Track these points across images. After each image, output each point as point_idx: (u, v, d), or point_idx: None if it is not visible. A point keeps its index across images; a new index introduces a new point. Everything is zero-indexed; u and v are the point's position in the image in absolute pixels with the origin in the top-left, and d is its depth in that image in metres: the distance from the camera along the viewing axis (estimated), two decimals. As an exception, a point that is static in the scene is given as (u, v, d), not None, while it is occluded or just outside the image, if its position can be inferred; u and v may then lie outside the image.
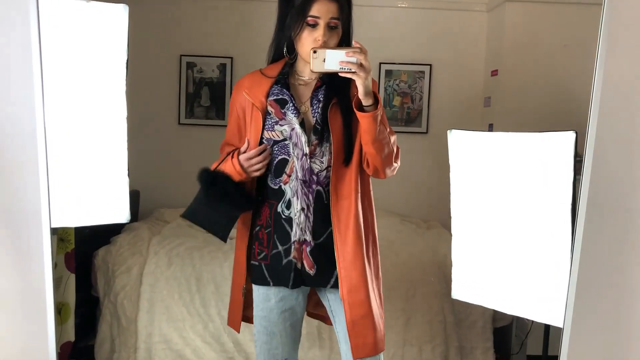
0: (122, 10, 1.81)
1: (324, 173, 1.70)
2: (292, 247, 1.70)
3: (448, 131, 2.33)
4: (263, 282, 1.76)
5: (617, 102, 0.98)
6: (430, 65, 4.04)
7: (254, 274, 1.78)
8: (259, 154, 1.68)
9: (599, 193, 1.04)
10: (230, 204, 1.70)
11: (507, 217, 2.14)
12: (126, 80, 1.85)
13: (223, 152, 1.85)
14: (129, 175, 1.88)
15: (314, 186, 1.70)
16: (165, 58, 3.99)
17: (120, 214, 1.87)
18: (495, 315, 2.91)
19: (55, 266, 2.59)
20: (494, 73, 3.83)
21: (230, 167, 1.70)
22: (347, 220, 1.69)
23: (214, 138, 3.98)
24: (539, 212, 2.02)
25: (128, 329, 2.73)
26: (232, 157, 1.71)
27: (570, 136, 1.83)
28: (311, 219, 1.70)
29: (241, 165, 1.68)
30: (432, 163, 3.45)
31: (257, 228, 1.76)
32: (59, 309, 2.67)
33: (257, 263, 1.76)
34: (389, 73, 4.00)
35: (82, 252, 2.86)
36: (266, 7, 3.98)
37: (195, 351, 2.73)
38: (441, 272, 2.88)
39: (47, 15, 1.67)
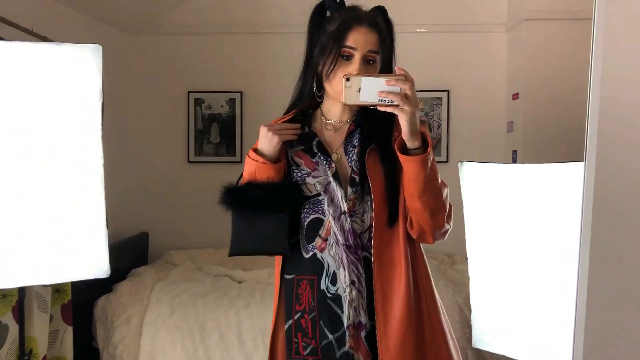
0: (95, 52, 1.68)
1: (367, 235, 1.36)
2: (347, 333, 1.32)
3: (458, 163, 2.14)
4: None
5: (618, 100, 0.80)
6: (448, 91, 3.86)
7: None
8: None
9: (604, 230, 0.85)
10: (269, 206, 1.34)
11: (529, 258, 1.93)
12: (105, 123, 1.72)
13: None
14: (107, 225, 1.72)
15: (359, 252, 1.35)
16: (172, 95, 3.93)
17: (98, 268, 1.72)
18: (527, 361, 2.66)
19: (51, 319, 2.47)
20: (515, 96, 3.62)
21: (248, 166, 1.37)
22: (395, 298, 1.33)
23: (226, 175, 3.86)
24: (563, 253, 1.81)
25: (127, 384, 2.58)
26: (248, 153, 1.39)
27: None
28: (364, 294, 1.34)
29: (259, 153, 1.34)
30: (456, 193, 3.29)
31: (298, 315, 1.38)
32: (56, 364, 2.54)
33: None
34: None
35: (82, 302, 2.73)
36: (275, 40, 3.90)
37: (199, 408, 2.55)
38: (463, 315, 2.65)
39: (12, 60, 1.56)
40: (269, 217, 1.35)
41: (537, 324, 1.92)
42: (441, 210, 1.34)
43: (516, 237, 1.95)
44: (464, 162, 2.10)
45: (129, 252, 3.40)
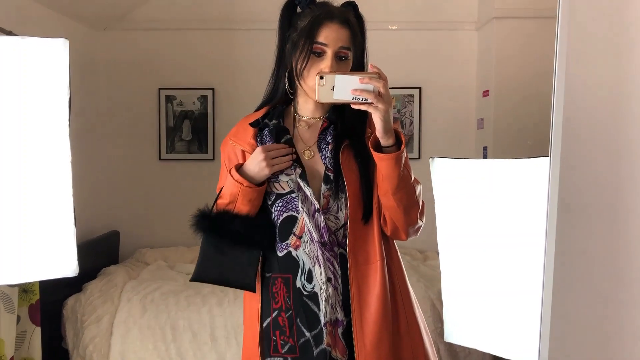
0: (62, 45, 1.65)
1: (342, 232, 1.36)
2: (324, 331, 1.32)
3: (430, 159, 2.16)
4: None
5: (582, 102, 0.82)
6: (419, 88, 3.89)
7: None
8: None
9: (569, 226, 0.86)
10: (243, 241, 1.35)
11: (499, 252, 1.95)
12: (72, 119, 1.68)
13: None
14: (76, 223, 1.69)
15: (335, 249, 1.35)
16: (143, 92, 3.87)
17: (66, 267, 1.69)
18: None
19: (18, 320, 2.42)
20: (486, 93, 3.67)
21: (231, 186, 1.35)
22: (371, 294, 1.34)
23: (197, 172, 3.87)
24: (533, 247, 1.83)
25: (98, 385, 2.54)
26: (230, 171, 1.36)
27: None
28: (340, 291, 1.34)
29: (244, 174, 1.34)
30: (428, 190, 3.35)
31: (275, 313, 1.37)
32: (24, 366, 2.49)
33: (280, 359, 1.37)
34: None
35: (51, 302, 2.69)
36: (247, 36, 3.88)
37: (172, 408, 2.53)
38: (435, 309, 2.68)
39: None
40: (243, 250, 1.36)
41: (507, 317, 1.95)
42: (414, 207, 1.35)
43: (486, 231, 1.98)
44: (435, 158, 2.12)
45: (99, 251, 3.35)
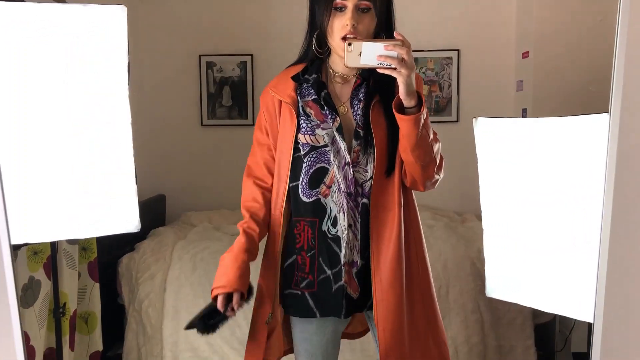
0: (121, 12, 1.73)
1: (369, 183, 1.49)
2: (343, 270, 1.49)
3: (473, 119, 2.19)
4: (307, 314, 1.54)
5: None
6: (458, 50, 3.87)
7: (294, 305, 1.56)
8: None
9: (627, 179, 0.90)
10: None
11: (542, 209, 1.99)
12: (130, 83, 1.77)
13: (253, 151, 1.63)
14: (140, 181, 1.79)
15: (359, 199, 1.49)
16: (184, 58, 3.95)
17: (129, 223, 1.80)
18: (536, 311, 2.75)
19: (79, 276, 2.57)
20: (525, 55, 3.64)
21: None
22: (388, 237, 1.48)
23: (238, 138, 3.96)
24: (576, 204, 1.87)
25: (153, 337, 2.68)
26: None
27: (604, 119, 1.67)
28: (358, 236, 1.50)
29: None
30: (466, 152, 3.36)
31: (296, 252, 1.54)
32: (85, 319, 2.65)
33: (298, 292, 1.54)
34: (414, 61, 3.85)
35: (106, 261, 2.83)
36: (284, 1, 3.91)
37: (223, 358, 2.66)
38: (475, 268, 2.73)
39: (40, 21, 1.61)
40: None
41: (550, 273, 1.99)
42: (431, 163, 1.46)
43: (531, 190, 2.01)
44: (479, 118, 2.15)
45: (147, 214, 3.46)
